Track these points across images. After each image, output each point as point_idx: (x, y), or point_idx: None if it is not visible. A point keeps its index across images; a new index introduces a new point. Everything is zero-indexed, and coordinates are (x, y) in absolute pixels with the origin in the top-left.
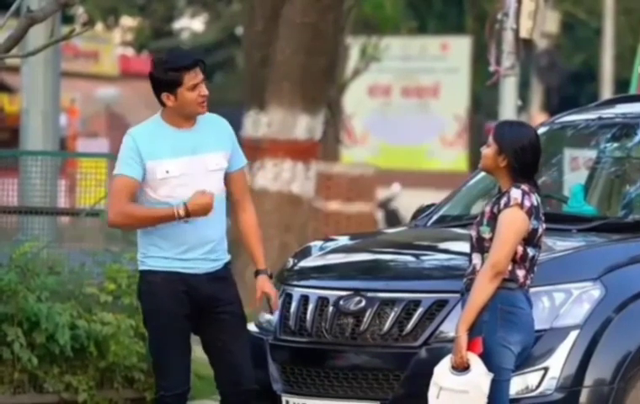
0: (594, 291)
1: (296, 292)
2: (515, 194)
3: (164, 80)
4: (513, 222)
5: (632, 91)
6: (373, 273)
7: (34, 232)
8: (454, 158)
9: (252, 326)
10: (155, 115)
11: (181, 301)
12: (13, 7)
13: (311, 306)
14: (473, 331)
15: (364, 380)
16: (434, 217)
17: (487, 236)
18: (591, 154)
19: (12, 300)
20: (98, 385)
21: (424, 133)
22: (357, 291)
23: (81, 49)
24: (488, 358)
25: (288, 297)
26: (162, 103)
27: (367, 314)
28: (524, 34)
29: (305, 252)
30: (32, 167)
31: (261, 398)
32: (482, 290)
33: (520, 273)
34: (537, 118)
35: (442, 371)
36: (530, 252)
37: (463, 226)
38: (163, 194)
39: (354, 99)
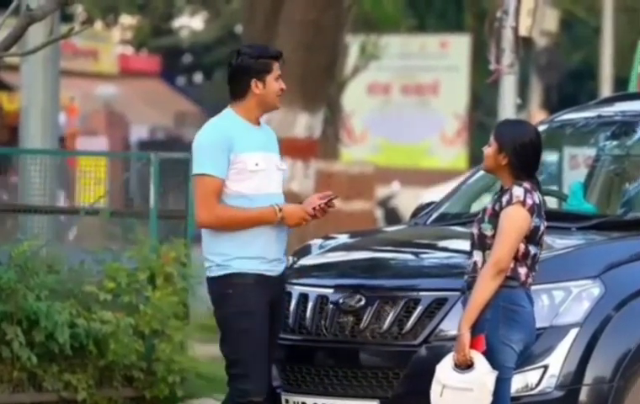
0: (594, 289)
1: (296, 290)
2: (518, 191)
3: (254, 68)
4: (515, 220)
5: (632, 89)
6: (373, 271)
7: (33, 231)
8: (453, 156)
9: None
10: (225, 111)
11: (266, 303)
12: (12, 6)
13: (310, 304)
14: (476, 329)
15: (363, 379)
16: (434, 215)
17: (488, 233)
18: (591, 152)
19: (11, 298)
20: (97, 384)
21: (423, 131)
22: (357, 289)
23: (80, 47)
24: (490, 356)
25: (288, 295)
26: (241, 95)
27: (367, 312)
28: (523, 32)
29: (304, 251)
30: (31, 165)
31: None
32: (485, 288)
33: (522, 270)
34: (537, 116)
35: (445, 369)
36: (532, 250)
37: (463, 224)
38: (251, 187)
39: (354, 97)
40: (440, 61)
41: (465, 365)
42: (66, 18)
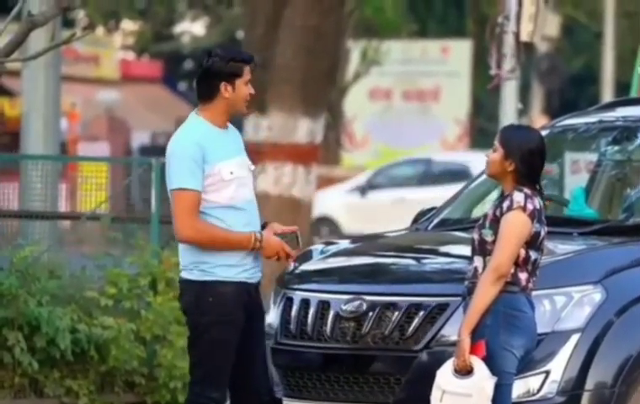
0: (596, 294)
1: (297, 296)
2: (518, 197)
3: (225, 71)
4: (515, 225)
5: (633, 94)
6: (374, 276)
7: (34, 236)
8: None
9: None
10: (192, 118)
11: (243, 311)
12: (13, 12)
13: (312, 310)
14: (476, 334)
15: (365, 384)
16: (435, 221)
17: (489, 239)
18: (592, 157)
19: (12, 304)
20: (98, 390)
21: (424, 136)
22: (358, 295)
23: (81, 53)
24: (490, 362)
25: (289, 301)
26: (209, 98)
27: (368, 318)
28: (524, 37)
29: (306, 256)
30: (32, 171)
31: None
32: (485, 294)
33: (523, 276)
34: (538, 121)
35: (445, 374)
36: (533, 255)
37: (464, 230)
38: (227, 196)
39: (355, 103)
40: (441, 67)
41: (465, 371)
42: (68, 23)
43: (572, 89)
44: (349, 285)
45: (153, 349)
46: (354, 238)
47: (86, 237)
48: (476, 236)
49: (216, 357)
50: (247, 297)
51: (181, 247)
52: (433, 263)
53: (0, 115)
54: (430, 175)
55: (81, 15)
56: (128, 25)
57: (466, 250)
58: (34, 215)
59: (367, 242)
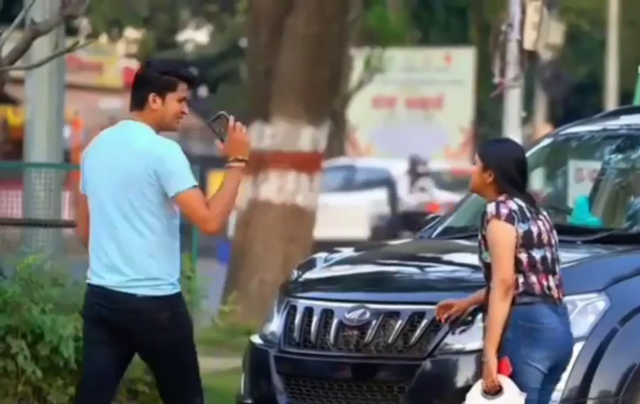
0: (599, 303)
1: (301, 304)
2: (490, 208)
3: (156, 82)
4: (496, 235)
5: (637, 102)
6: (378, 285)
7: (38, 244)
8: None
9: (256, 338)
10: (139, 124)
11: None
12: (17, 20)
13: (315, 318)
14: (500, 351)
15: (368, 392)
16: (439, 229)
17: (489, 260)
18: (596, 165)
19: (16, 312)
20: None
21: (428, 144)
22: (362, 303)
23: (85, 61)
24: (515, 379)
25: (292, 309)
26: (139, 106)
27: (372, 326)
28: (528, 45)
29: (309, 264)
30: (36, 179)
31: None
32: (497, 311)
33: (534, 279)
34: (542, 129)
35: (475, 397)
36: (537, 254)
37: (468, 238)
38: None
39: (359, 111)
40: (444, 75)
41: (494, 391)
42: (71, 31)
43: (575, 97)
44: (352, 294)
45: None
46: (358, 246)
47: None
48: (480, 263)
49: (197, 365)
50: None
51: (145, 267)
52: (436, 271)
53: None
54: (353, 181)
55: (84, 23)
56: (131, 33)
57: (469, 258)
58: (37, 223)
59: (371, 251)
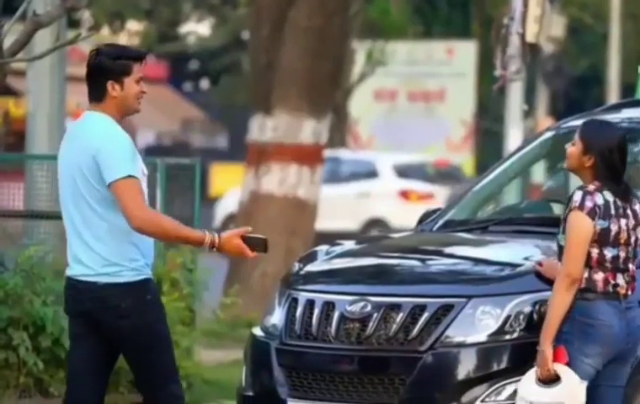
0: None
1: (302, 297)
2: (575, 196)
3: (111, 69)
4: (574, 227)
5: (638, 95)
6: (379, 277)
7: (39, 236)
8: (460, 163)
9: (257, 331)
10: (97, 115)
11: None
12: (19, 12)
13: (317, 311)
14: (555, 341)
15: (369, 385)
16: (440, 222)
17: (562, 243)
18: None
19: (17, 304)
20: None
21: (429, 137)
22: (363, 296)
23: (86, 53)
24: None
25: (294, 301)
26: (98, 98)
27: (373, 318)
28: (530, 38)
29: (311, 257)
30: (38, 170)
31: (267, 403)
32: (560, 301)
33: (599, 277)
34: (543, 122)
35: (529, 385)
36: (609, 253)
37: (469, 231)
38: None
39: (361, 103)
40: (446, 68)
41: (549, 380)
42: (73, 23)
43: (577, 90)
44: (354, 286)
45: None
46: (360, 239)
47: None
48: (556, 241)
49: (172, 353)
50: None
51: (102, 250)
52: (438, 264)
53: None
54: (338, 173)
55: (86, 15)
56: (133, 26)
57: (470, 251)
58: (39, 214)
59: (372, 243)
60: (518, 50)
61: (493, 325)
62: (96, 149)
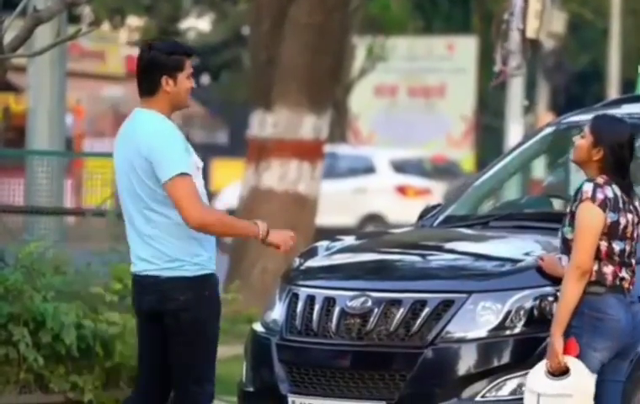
0: None
1: (303, 292)
2: (586, 187)
3: (166, 63)
4: (586, 218)
5: (638, 91)
6: (379, 273)
7: (40, 232)
8: (460, 158)
9: (258, 326)
10: (147, 112)
11: None
12: (19, 7)
13: (317, 306)
14: (565, 335)
15: (370, 380)
16: (441, 217)
17: (569, 236)
18: None
19: (18, 299)
20: (103, 385)
21: (430, 133)
22: (363, 291)
23: (87, 49)
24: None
25: (294, 297)
26: (151, 92)
27: (373, 314)
28: (530, 34)
29: (311, 252)
30: (38, 166)
31: (267, 398)
32: (570, 293)
33: (608, 270)
34: (544, 118)
35: (538, 377)
36: (617, 246)
37: (470, 227)
38: (199, 186)
39: (361, 99)
40: (446, 63)
41: (559, 372)
42: (73, 19)
43: (577, 86)
44: (354, 282)
45: None
46: (360, 235)
47: (91, 233)
48: (560, 235)
49: (213, 352)
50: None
51: (164, 246)
52: (438, 259)
53: (6, 111)
54: (336, 169)
55: (86, 11)
56: (134, 21)
57: (471, 247)
58: (39, 210)
59: (373, 239)
60: (518, 45)
61: (493, 320)
62: (148, 149)
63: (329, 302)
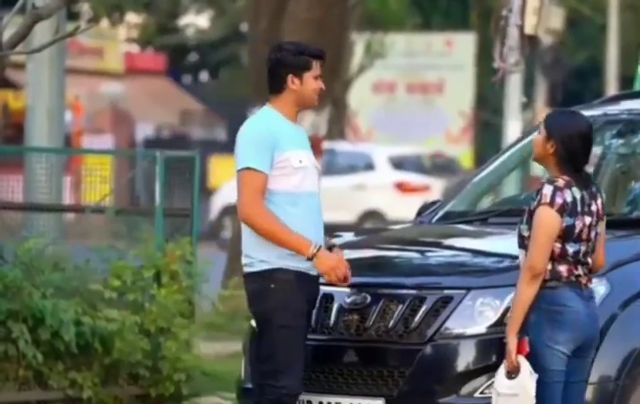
0: (600, 288)
1: None
2: (546, 190)
3: (292, 63)
4: (543, 222)
5: (637, 87)
6: (378, 269)
7: (39, 229)
8: (459, 154)
9: None
10: (265, 108)
11: (307, 301)
12: (18, 4)
13: (316, 303)
14: (522, 332)
15: (369, 377)
16: (440, 213)
17: (525, 234)
18: (596, 150)
19: (17, 296)
20: (102, 382)
21: (428, 129)
22: (362, 288)
23: (86, 45)
24: (534, 360)
25: None
26: (277, 90)
27: (372, 310)
28: (529, 30)
29: None
30: (37, 163)
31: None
32: (523, 293)
33: (562, 268)
34: (542, 114)
35: (499, 377)
36: (571, 248)
37: (468, 223)
38: (295, 184)
39: (360, 95)
40: (445, 60)
41: (514, 371)
42: (72, 16)
43: (576, 82)
44: (353, 278)
45: (157, 342)
46: (359, 231)
47: (90, 230)
48: (517, 230)
49: (280, 344)
50: (309, 287)
51: (243, 244)
52: (437, 255)
53: (4, 108)
54: (334, 165)
55: (85, 8)
56: (132, 18)
57: (470, 243)
58: (38, 207)
59: (371, 235)
60: (517, 42)
61: (492, 316)
62: (237, 138)
63: (328, 298)
